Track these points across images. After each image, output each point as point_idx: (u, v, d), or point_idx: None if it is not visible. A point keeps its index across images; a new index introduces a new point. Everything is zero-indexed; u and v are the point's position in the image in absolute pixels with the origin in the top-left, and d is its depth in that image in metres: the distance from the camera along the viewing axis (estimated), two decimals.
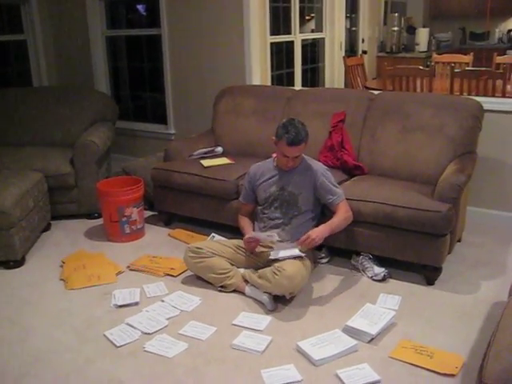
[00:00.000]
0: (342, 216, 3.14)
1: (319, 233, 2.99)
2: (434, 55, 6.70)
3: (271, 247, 3.10)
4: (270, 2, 5.15)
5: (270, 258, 2.99)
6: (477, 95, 4.47)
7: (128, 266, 3.48)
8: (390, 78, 5.22)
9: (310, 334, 2.68)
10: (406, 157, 3.59)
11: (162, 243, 3.86)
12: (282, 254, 2.95)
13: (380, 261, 3.30)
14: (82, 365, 2.53)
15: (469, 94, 4.63)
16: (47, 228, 4.09)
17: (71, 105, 4.78)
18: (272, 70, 5.35)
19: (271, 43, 5.31)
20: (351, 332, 2.67)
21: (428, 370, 2.42)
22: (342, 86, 6.54)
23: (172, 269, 3.40)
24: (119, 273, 3.41)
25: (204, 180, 3.76)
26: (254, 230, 3.31)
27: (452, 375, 2.38)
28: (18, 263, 3.53)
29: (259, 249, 3.18)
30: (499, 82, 4.68)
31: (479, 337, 2.65)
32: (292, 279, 2.85)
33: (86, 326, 2.85)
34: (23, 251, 3.58)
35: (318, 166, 3.26)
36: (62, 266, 3.51)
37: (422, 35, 8.10)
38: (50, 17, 5.69)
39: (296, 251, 2.97)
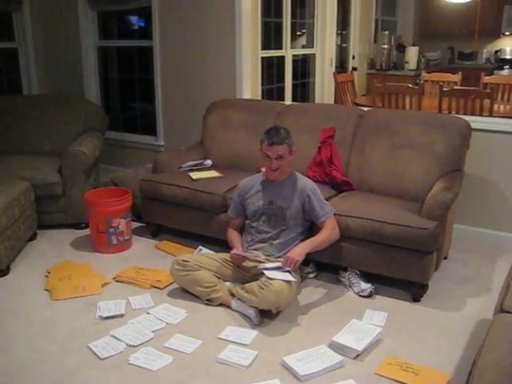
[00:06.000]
0: (325, 233, 3.15)
1: (299, 251, 3.02)
2: (423, 74, 6.79)
3: (261, 261, 3.09)
4: (261, 17, 5.20)
5: (261, 270, 2.98)
6: (465, 114, 4.52)
7: (114, 278, 3.46)
8: (379, 95, 5.26)
9: (296, 349, 2.67)
10: (395, 173, 3.61)
11: (148, 255, 3.84)
12: (274, 275, 2.91)
13: (367, 277, 3.31)
14: (66, 376, 2.50)
15: (457, 113, 4.68)
16: (33, 237, 4.05)
17: (61, 114, 4.77)
18: (262, 85, 5.37)
19: (262, 58, 5.34)
20: (337, 348, 2.67)
21: None
22: (332, 102, 6.58)
23: (158, 281, 3.38)
24: (105, 284, 3.38)
25: (192, 192, 3.76)
26: (242, 243, 3.31)
27: None
28: (3, 272, 3.49)
29: (247, 263, 3.18)
30: (486, 102, 4.74)
31: (464, 354, 2.66)
32: (279, 294, 2.85)
33: (71, 337, 2.82)
34: (8, 260, 3.54)
35: (307, 182, 3.28)
36: (47, 276, 3.48)
37: (412, 54, 8.19)
38: (42, 25, 5.69)
39: (289, 276, 2.94)
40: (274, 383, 2.44)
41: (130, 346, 2.73)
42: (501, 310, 2.28)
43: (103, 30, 5.72)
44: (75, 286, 3.31)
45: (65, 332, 2.87)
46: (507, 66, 8.44)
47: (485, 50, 9.01)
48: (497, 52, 8.86)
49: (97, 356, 2.65)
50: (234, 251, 3.20)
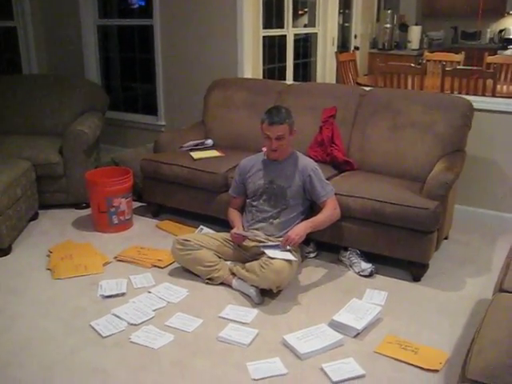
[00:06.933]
0: (327, 213, 3.15)
1: (299, 231, 3.02)
2: (426, 53, 6.73)
3: (261, 241, 3.10)
4: None
5: (262, 250, 3.00)
6: (467, 94, 4.50)
7: (115, 257, 3.47)
8: (381, 75, 5.23)
9: (296, 328, 2.69)
10: (396, 153, 3.60)
11: (149, 234, 3.85)
12: (275, 254, 2.93)
13: (367, 256, 3.32)
14: (68, 355, 2.52)
15: (459, 93, 4.66)
16: (35, 217, 4.06)
17: (61, 94, 4.74)
18: (264, 64, 5.33)
19: (264, 37, 5.29)
20: (337, 326, 2.69)
21: (412, 365, 2.44)
22: (334, 82, 6.54)
23: (159, 260, 3.39)
24: (106, 263, 3.40)
25: (193, 172, 3.75)
26: (242, 223, 3.32)
27: (436, 371, 2.40)
28: (5, 252, 3.51)
29: (248, 242, 3.19)
30: (489, 82, 4.71)
31: (463, 333, 2.68)
32: (279, 273, 2.86)
33: (72, 315, 2.84)
34: (10, 240, 3.56)
35: (308, 162, 3.27)
36: (48, 256, 3.49)
37: (415, 33, 8.12)
38: (41, 4, 5.61)
39: (289, 255, 2.96)
40: (275, 361, 2.46)
41: (132, 324, 2.75)
42: (500, 289, 2.29)
43: (103, 9, 5.66)
44: (77, 266, 3.33)
45: (67, 311, 2.88)
46: (511, 46, 8.36)
47: (488, 30, 8.92)
48: (501, 32, 8.77)
49: (99, 334, 2.67)
50: (234, 230, 3.21)
